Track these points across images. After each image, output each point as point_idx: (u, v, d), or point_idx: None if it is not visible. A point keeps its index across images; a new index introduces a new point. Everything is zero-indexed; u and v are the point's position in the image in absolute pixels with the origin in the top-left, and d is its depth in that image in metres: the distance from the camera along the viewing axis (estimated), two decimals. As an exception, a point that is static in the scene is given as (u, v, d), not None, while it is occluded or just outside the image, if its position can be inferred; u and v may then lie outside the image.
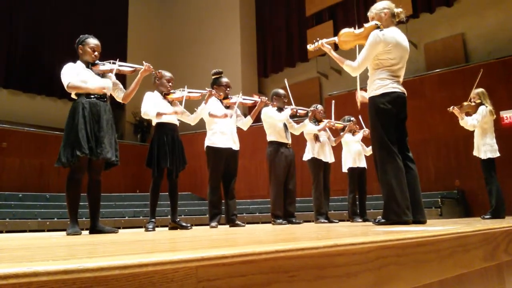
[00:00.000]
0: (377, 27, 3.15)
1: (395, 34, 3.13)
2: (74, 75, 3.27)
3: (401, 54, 3.13)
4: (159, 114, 4.07)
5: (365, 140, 6.38)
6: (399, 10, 3.23)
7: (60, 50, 11.70)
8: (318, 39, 3.47)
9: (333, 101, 6.01)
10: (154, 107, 4.08)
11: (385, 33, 3.08)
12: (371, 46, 3.09)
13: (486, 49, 9.41)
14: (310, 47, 3.50)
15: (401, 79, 3.18)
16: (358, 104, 3.60)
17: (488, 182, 5.25)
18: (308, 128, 5.54)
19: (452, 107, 5.38)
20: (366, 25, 3.22)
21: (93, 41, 3.44)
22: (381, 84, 3.09)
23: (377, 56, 3.11)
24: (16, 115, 11.36)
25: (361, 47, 3.31)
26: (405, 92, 3.16)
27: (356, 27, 3.29)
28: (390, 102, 3.06)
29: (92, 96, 3.29)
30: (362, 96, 3.53)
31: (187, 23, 14.54)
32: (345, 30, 3.30)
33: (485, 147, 5.27)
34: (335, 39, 3.34)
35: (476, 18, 9.78)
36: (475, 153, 5.43)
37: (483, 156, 5.27)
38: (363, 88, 3.44)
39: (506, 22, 9.29)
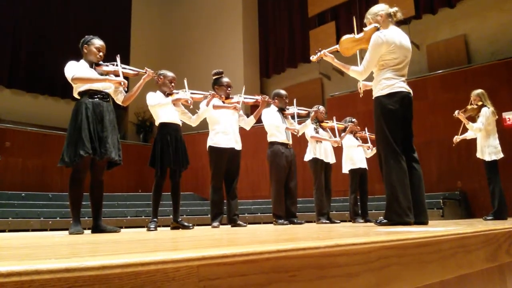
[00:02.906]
0: (377, 29, 3.15)
1: (396, 33, 3.13)
2: (79, 69, 3.29)
3: (404, 53, 3.12)
4: (172, 100, 4.09)
5: (365, 142, 6.39)
6: (395, 9, 3.20)
7: (63, 50, 11.72)
8: (320, 49, 3.50)
9: (334, 118, 5.90)
10: (162, 99, 4.10)
11: (386, 34, 3.08)
12: (374, 48, 3.08)
13: (488, 50, 9.39)
14: (313, 58, 3.54)
15: (405, 78, 3.18)
16: (360, 92, 3.57)
17: (491, 183, 5.24)
18: (309, 129, 5.55)
19: (457, 111, 5.38)
20: (365, 29, 3.23)
21: (98, 42, 3.47)
22: (387, 84, 3.08)
23: (381, 57, 3.11)
24: (19, 115, 11.38)
25: (362, 52, 3.32)
26: (411, 92, 3.15)
27: (356, 32, 3.30)
28: (397, 102, 3.05)
29: (95, 97, 3.31)
30: (364, 85, 3.52)
31: (190, 23, 14.55)
32: (345, 37, 3.31)
33: (489, 149, 5.26)
34: (337, 47, 3.35)
35: (479, 19, 9.76)
36: (478, 155, 5.41)
37: (488, 158, 5.25)
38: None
39: (509, 24, 9.26)
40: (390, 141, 3.02)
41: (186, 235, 2.38)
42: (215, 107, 4.49)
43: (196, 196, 11.32)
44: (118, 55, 3.51)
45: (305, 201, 8.55)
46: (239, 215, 4.68)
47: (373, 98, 3.20)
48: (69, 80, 3.28)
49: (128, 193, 11.00)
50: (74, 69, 3.28)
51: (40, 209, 8.72)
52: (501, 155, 5.24)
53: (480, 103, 5.39)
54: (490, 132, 5.31)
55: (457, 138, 5.62)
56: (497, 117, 5.41)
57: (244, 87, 4.90)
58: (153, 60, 13.13)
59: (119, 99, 3.60)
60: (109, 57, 3.54)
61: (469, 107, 5.44)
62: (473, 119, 5.47)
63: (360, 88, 3.55)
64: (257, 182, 10.96)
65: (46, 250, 1.35)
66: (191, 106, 4.21)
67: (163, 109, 4.13)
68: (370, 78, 3.34)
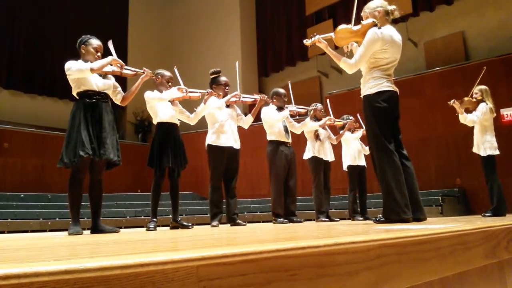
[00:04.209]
0: (375, 24, 3.14)
1: (392, 32, 3.12)
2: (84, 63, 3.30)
3: (395, 54, 3.13)
4: (168, 94, 4.08)
5: (364, 139, 6.39)
6: (393, 7, 3.20)
7: (61, 50, 11.71)
8: (315, 34, 3.45)
9: (328, 100, 6.10)
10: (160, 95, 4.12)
11: (383, 31, 3.07)
12: (369, 43, 3.07)
13: (486, 47, 9.39)
14: (306, 42, 3.47)
15: (391, 78, 3.19)
16: (347, 51, 3.47)
17: (489, 180, 5.25)
18: (309, 126, 5.54)
19: (452, 100, 5.37)
20: (363, 22, 3.21)
21: (96, 42, 3.46)
22: (376, 83, 3.09)
23: (373, 55, 3.10)
24: (18, 116, 11.37)
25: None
26: (398, 91, 3.16)
27: (353, 24, 3.28)
28: (385, 100, 3.06)
29: (93, 97, 3.30)
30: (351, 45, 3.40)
31: (187, 22, 14.53)
32: (342, 27, 3.28)
33: (485, 144, 5.26)
34: (331, 35, 3.32)
35: (476, 16, 9.77)
36: (474, 150, 5.42)
37: (483, 153, 5.26)
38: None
39: (507, 20, 9.27)
40: (381, 139, 3.03)
41: (186, 235, 2.38)
42: (227, 102, 4.51)
43: (195, 196, 11.32)
44: (110, 40, 3.51)
45: (304, 200, 8.56)
46: (238, 214, 4.68)
47: (361, 96, 3.20)
48: (82, 75, 3.23)
49: (127, 193, 10.99)
50: (84, 64, 3.27)
51: (39, 210, 8.71)
52: (497, 152, 5.24)
53: (479, 98, 5.38)
54: (487, 129, 5.31)
55: (455, 104, 5.41)
56: (495, 114, 5.41)
57: (237, 62, 4.86)
58: (151, 59, 13.11)
59: (118, 99, 3.61)
60: (106, 57, 3.53)
61: (466, 99, 5.42)
62: (469, 112, 5.47)
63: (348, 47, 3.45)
64: (256, 181, 10.96)
65: (46, 251, 1.35)
66: (187, 94, 4.19)
67: (161, 106, 4.13)
68: (359, 75, 3.34)
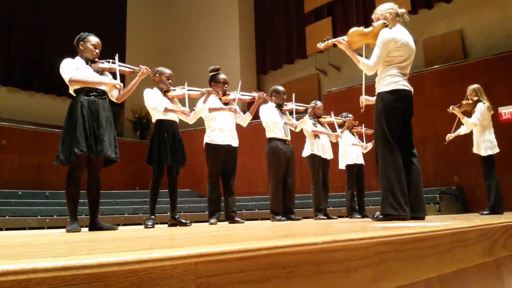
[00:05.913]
0: (386, 25, 3.18)
1: (403, 32, 3.18)
2: (74, 69, 3.27)
3: (409, 52, 3.18)
4: (167, 110, 4.03)
5: (362, 138, 6.38)
6: (403, 10, 3.29)
7: (59, 47, 11.68)
8: (328, 37, 3.49)
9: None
10: (160, 102, 4.07)
11: (394, 31, 3.13)
12: (383, 44, 3.11)
13: (484, 45, 9.40)
14: (320, 45, 3.49)
15: (407, 77, 3.22)
16: (362, 106, 3.61)
17: (488, 178, 5.26)
18: (306, 125, 5.54)
19: (451, 107, 5.40)
20: (374, 24, 3.25)
21: (94, 39, 3.45)
22: (391, 81, 3.12)
23: (388, 53, 3.15)
24: (15, 113, 11.34)
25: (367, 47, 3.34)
26: (412, 90, 3.19)
27: (364, 26, 3.32)
28: (399, 99, 3.10)
29: (91, 94, 3.29)
30: (366, 99, 3.57)
31: (186, 19, 14.50)
32: (354, 29, 3.31)
33: (485, 144, 5.27)
34: (344, 38, 3.34)
35: (475, 14, 9.77)
36: (474, 150, 5.43)
37: (484, 153, 5.27)
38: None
39: (505, 18, 9.28)
40: (388, 137, 3.05)
41: (184, 232, 2.38)
42: (211, 110, 4.47)
43: (193, 193, 11.32)
44: (117, 54, 3.50)
45: (302, 197, 8.57)
46: (236, 212, 4.68)
47: (376, 93, 3.22)
48: (66, 81, 3.26)
49: (125, 190, 10.99)
50: (71, 71, 3.25)
51: (37, 207, 8.70)
52: (497, 150, 5.26)
53: (475, 98, 5.40)
54: (486, 127, 5.32)
55: (449, 136, 5.65)
56: (492, 112, 5.42)
57: (240, 82, 4.88)
58: (149, 57, 13.08)
59: (114, 95, 3.58)
60: (104, 55, 3.52)
61: (464, 102, 5.45)
62: (468, 113, 5.49)
63: (362, 102, 3.59)
64: (254, 179, 10.97)
65: (43, 248, 1.35)
66: (186, 100, 4.17)
67: (167, 105, 4.11)
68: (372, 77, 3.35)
